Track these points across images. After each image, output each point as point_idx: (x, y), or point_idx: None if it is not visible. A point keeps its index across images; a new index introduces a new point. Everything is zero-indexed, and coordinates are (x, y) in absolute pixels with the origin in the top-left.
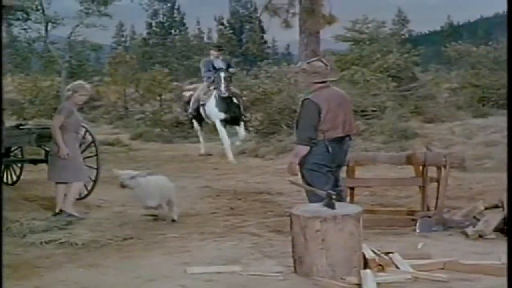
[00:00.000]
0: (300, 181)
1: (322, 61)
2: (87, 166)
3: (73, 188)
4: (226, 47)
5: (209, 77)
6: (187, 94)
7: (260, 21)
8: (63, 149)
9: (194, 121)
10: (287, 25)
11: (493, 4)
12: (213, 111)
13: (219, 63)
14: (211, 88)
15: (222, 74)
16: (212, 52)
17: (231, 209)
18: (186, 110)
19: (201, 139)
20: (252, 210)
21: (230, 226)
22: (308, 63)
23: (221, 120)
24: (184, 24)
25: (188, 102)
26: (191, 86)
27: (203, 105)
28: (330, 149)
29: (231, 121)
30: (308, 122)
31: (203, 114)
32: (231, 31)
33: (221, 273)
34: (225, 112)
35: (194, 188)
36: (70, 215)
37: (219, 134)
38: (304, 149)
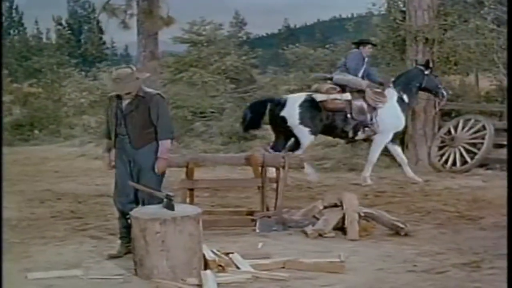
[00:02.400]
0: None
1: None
2: None
3: None
4: (65, 48)
5: (357, 75)
6: (339, 96)
7: (98, 21)
8: None
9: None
10: (125, 26)
11: (329, 8)
12: (397, 120)
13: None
14: (376, 88)
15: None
16: (366, 48)
17: (71, 212)
18: (325, 119)
19: (309, 168)
20: (92, 213)
21: (71, 229)
22: (116, 69)
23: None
24: (22, 24)
25: (341, 108)
26: (326, 86)
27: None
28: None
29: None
30: (169, 116)
31: (375, 123)
32: (69, 32)
33: (62, 277)
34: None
35: (35, 191)
36: None
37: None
38: (170, 143)
